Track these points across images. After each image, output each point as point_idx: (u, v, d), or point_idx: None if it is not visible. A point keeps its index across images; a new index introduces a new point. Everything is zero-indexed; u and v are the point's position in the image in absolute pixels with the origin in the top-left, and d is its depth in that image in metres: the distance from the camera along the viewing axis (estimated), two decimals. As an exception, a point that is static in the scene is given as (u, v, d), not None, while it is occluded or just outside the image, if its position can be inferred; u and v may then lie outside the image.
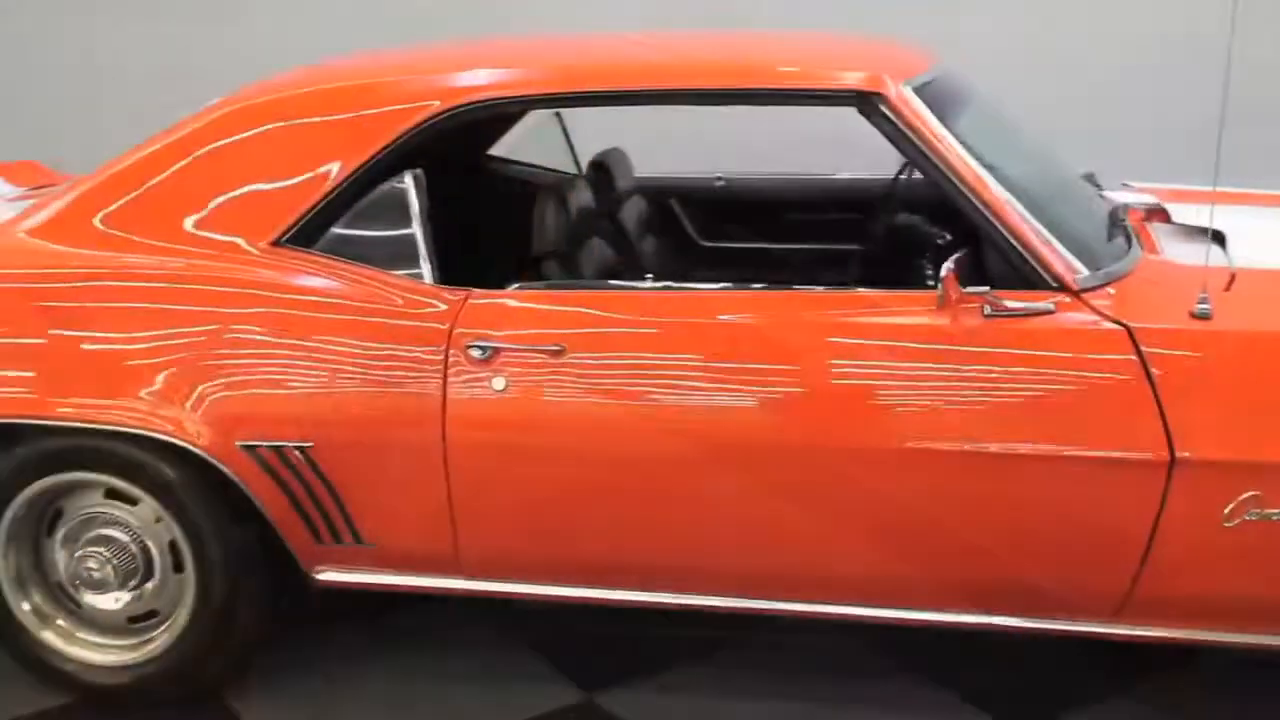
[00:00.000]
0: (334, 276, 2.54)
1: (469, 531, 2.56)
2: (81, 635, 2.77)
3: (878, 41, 2.90)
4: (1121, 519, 2.33)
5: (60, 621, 2.77)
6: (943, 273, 2.28)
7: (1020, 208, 2.39)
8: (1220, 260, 2.59)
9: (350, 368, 2.48)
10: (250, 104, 2.66)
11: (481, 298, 2.50)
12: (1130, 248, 2.59)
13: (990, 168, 2.46)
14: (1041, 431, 2.30)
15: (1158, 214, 2.95)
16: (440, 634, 3.01)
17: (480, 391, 2.45)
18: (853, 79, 2.47)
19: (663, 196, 3.82)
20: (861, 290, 2.44)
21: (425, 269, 2.54)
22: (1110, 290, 2.38)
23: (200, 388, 2.51)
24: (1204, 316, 2.31)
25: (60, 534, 2.73)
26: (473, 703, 2.74)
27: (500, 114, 2.57)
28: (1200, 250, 2.63)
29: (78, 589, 2.73)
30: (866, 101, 2.45)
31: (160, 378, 2.52)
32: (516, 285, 2.54)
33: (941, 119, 2.49)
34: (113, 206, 2.68)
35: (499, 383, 2.44)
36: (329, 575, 2.71)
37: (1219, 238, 2.70)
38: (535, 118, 3.75)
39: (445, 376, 2.46)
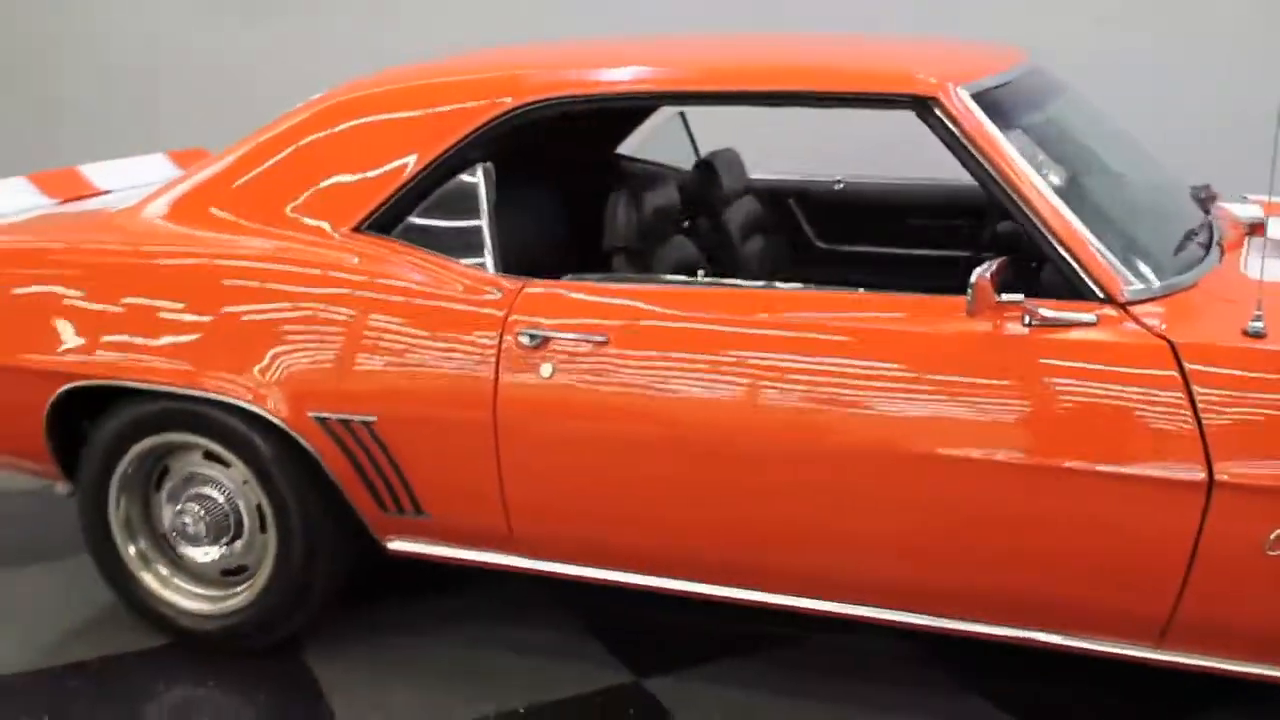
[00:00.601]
0: (403, 262, 2.68)
1: (518, 510, 2.67)
2: (177, 582, 3.01)
3: (957, 44, 2.88)
4: (1159, 540, 2.26)
5: (160, 568, 3.01)
6: (973, 278, 2.25)
7: (1070, 216, 2.34)
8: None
9: (412, 349, 2.62)
10: (339, 101, 2.83)
11: (536, 287, 2.61)
12: (1204, 260, 2.50)
13: (1053, 173, 2.41)
14: (1074, 446, 2.25)
15: (1259, 228, 2.82)
16: (501, 611, 3.12)
17: (529, 377, 2.55)
18: (910, 83, 2.46)
19: (780, 197, 3.85)
20: (900, 295, 2.43)
21: (488, 258, 2.66)
22: (1162, 303, 2.31)
23: (279, 361, 2.70)
24: (1257, 335, 2.22)
25: (166, 489, 2.98)
26: (523, 676, 2.84)
27: (569, 112, 2.65)
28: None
29: (176, 541, 2.97)
30: (923, 105, 2.44)
31: (247, 350, 2.72)
32: (570, 276, 2.63)
33: (1006, 123, 2.46)
34: (223, 192, 2.90)
35: (546, 369, 2.54)
36: (398, 545, 2.86)
37: (1313, 254, 2.58)
38: (661, 117, 3.84)
39: (498, 361, 2.57)
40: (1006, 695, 2.74)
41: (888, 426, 2.34)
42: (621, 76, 2.67)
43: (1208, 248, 2.59)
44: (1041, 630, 2.45)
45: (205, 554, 2.95)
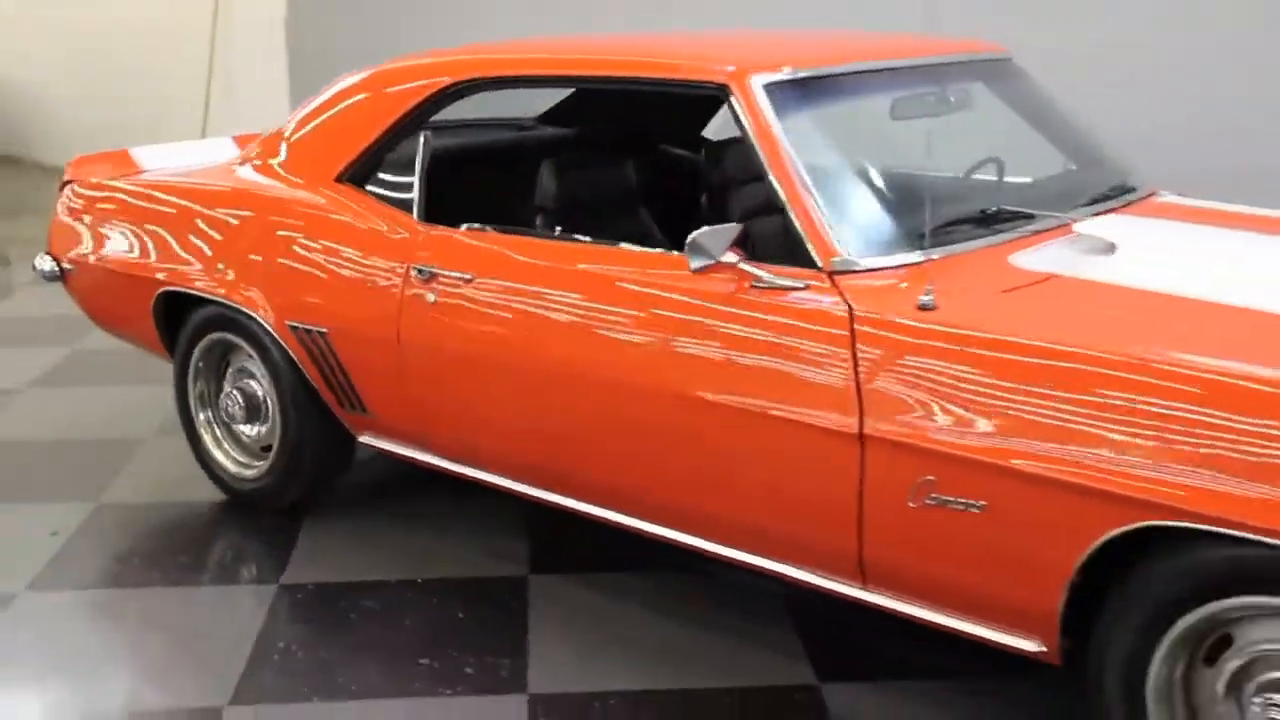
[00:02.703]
0: (353, 205, 3.37)
1: (422, 413, 3.29)
2: (225, 447, 3.86)
3: (811, 34, 3.18)
4: (832, 482, 2.53)
5: (217, 432, 3.88)
6: (689, 239, 2.61)
7: (804, 192, 2.64)
8: (1054, 265, 2.63)
9: (349, 275, 3.31)
10: (351, 81, 3.55)
11: (437, 232, 3.20)
12: (964, 244, 2.70)
13: (828, 154, 2.73)
14: (760, 391, 2.58)
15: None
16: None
17: (420, 304, 3.16)
18: (711, 73, 2.84)
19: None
20: (655, 251, 2.83)
21: (415, 207, 3.28)
22: (866, 275, 2.56)
23: (271, 280, 3.47)
24: (925, 308, 2.44)
25: (229, 375, 3.83)
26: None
27: (483, 88, 3.23)
28: (1061, 255, 2.70)
29: (228, 419, 3.82)
30: (723, 90, 2.81)
31: (253, 270, 3.52)
32: (466, 226, 3.20)
33: (799, 107, 2.78)
34: (275, 149, 3.70)
35: (431, 298, 3.14)
36: (366, 438, 3.56)
37: (1110, 247, 2.71)
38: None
39: (402, 290, 3.20)
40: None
41: (623, 361, 2.78)
42: (510, 67, 3.26)
43: (1001, 231, 2.77)
44: (770, 559, 2.76)
45: (247, 431, 3.78)
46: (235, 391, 3.76)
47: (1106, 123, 3.59)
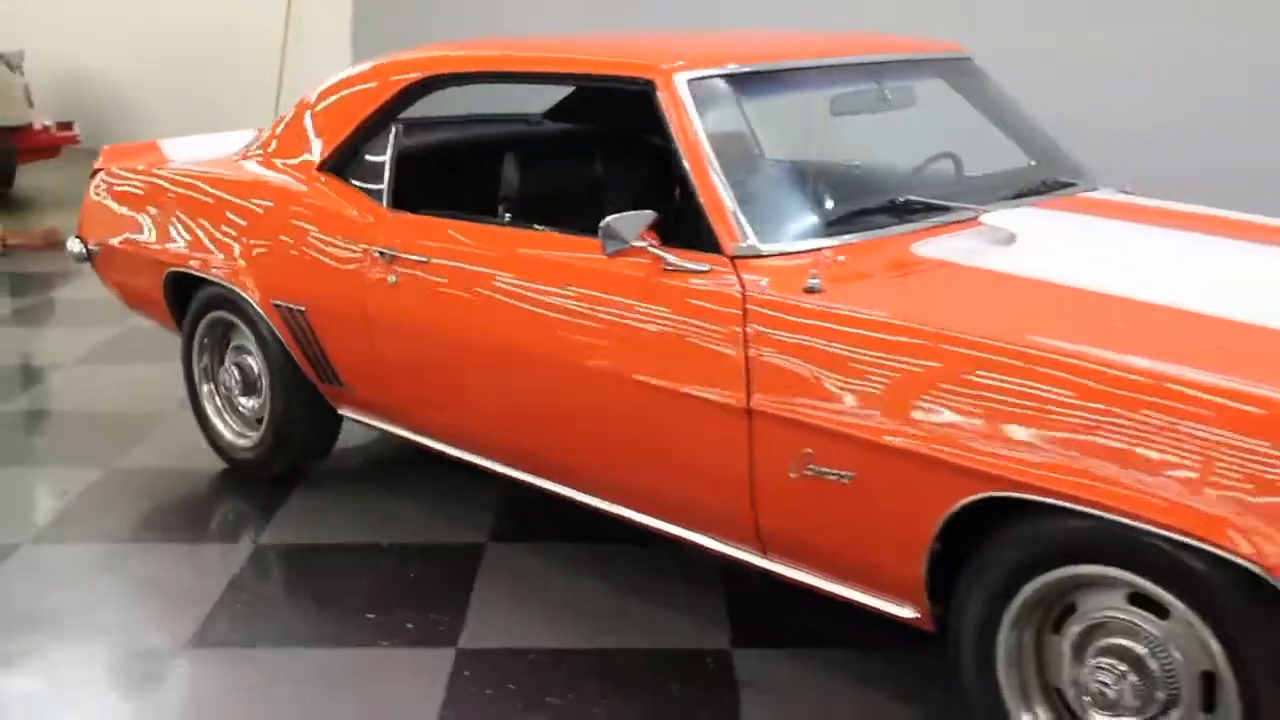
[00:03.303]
0: (331, 192, 3.60)
1: (389, 389, 3.52)
2: (226, 418, 4.13)
3: (751, 34, 3.33)
4: (726, 456, 2.68)
5: (219, 403, 4.14)
6: (601, 224, 2.79)
7: (716, 183, 2.80)
8: (949, 253, 2.76)
9: (325, 257, 3.54)
10: (334, 80, 3.78)
11: (400, 218, 3.42)
12: (868, 232, 2.84)
13: (743, 146, 2.89)
14: (664, 369, 2.75)
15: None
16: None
17: (383, 284, 3.38)
18: (639, 69, 3.01)
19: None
20: (575, 235, 3.01)
21: (385, 195, 3.51)
22: (766, 260, 2.71)
23: (259, 263, 3.73)
24: (812, 290, 2.59)
25: (229, 350, 4.09)
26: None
27: (452, 85, 3.45)
28: (961, 244, 2.83)
29: (228, 391, 4.09)
30: (650, 86, 2.98)
31: (243, 252, 3.78)
32: (424, 211, 3.41)
33: (721, 102, 2.95)
34: (272, 138, 3.96)
35: (392, 279, 3.36)
36: (345, 411, 3.80)
37: (1010, 238, 2.84)
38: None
39: (368, 271, 3.42)
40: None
41: (550, 339, 2.97)
42: (466, 64, 3.48)
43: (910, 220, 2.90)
44: (687, 529, 2.92)
45: (245, 403, 4.05)
46: (233, 366, 4.03)
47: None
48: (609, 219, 2.78)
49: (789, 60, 3.16)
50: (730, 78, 3.02)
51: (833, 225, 2.84)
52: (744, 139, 2.95)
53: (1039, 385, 2.24)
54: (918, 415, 2.36)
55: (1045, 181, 3.29)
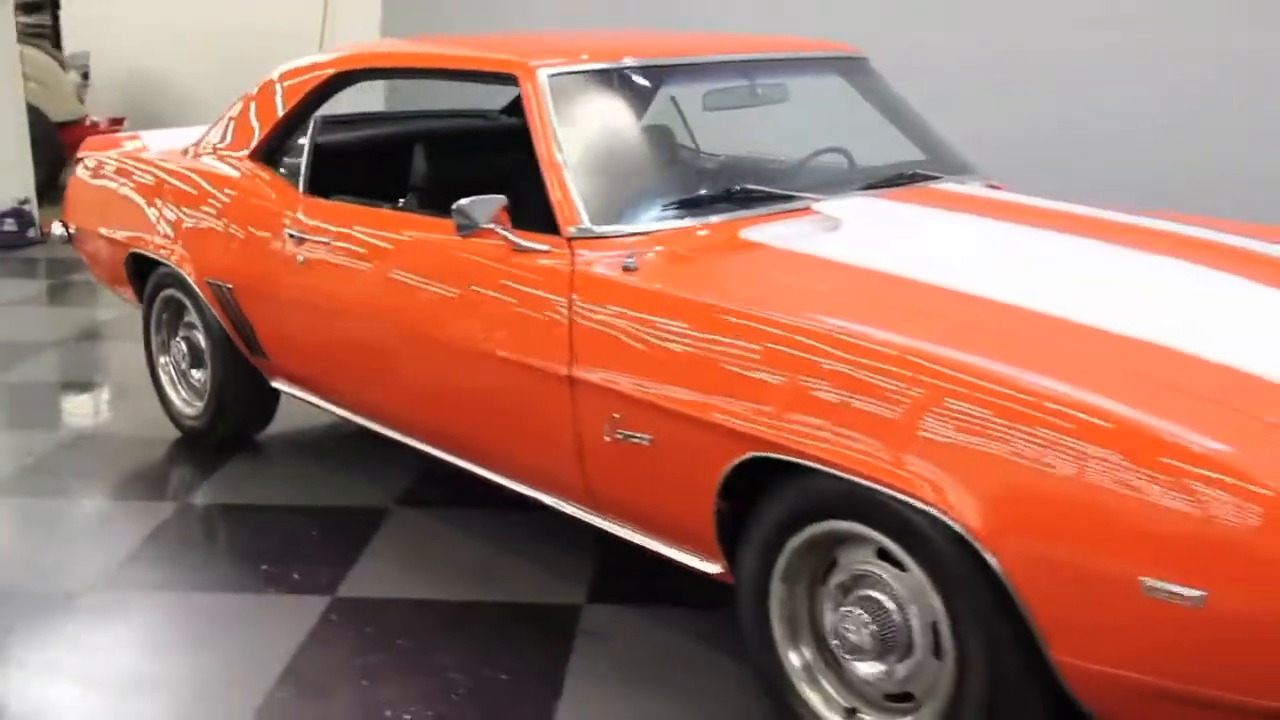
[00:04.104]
0: (256, 177, 3.90)
1: (302, 360, 3.80)
2: (179, 389, 4.45)
3: (631, 33, 3.55)
4: (556, 420, 2.91)
5: (173, 375, 4.46)
6: (454, 206, 3.03)
7: (563, 170, 3.03)
8: (770, 238, 2.96)
9: (247, 237, 3.84)
10: (268, 77, 4.07)
11: (311, 202, 3.70)
12: (693, 218, 3.04)
13: (597, 138, 3.13)
14: (503, 338, 2.99)
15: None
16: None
17: (292, 263, 3.67)
18: (506, 65, 3.26)
19: None
20: (434, 218, 3.25)
21: (301, 181, 3.79)
22: (599, 242, 2.93)
23: (195, 241, 4.04)
24: (629, 269, 2.81)
25: (181, 326, 4.41)
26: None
27: (359, 80, 3.72)
28: (786, 230, 3.03)
29: (179, 363, 4.41)
30: (514, 80, 3.23)
31: (181, 232, 4.09)
32: (334, 197, 3.69)
33: (576, 96, 3.18)
34: (221, 128, 4.28)
35: (300, 258, 3.64)
36: (276, 383, 4.09)
37: (835, 224, 3.04)
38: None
39: (282, 250, 3.71)
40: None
41: (420, 314, 3.24)
42: (371, 61, 3.77)
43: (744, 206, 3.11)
44: (542, 491, 3.16)
45: (196, 375, 4.36)
46: (182, 341, 4.35)
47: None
48: (461, 202, 3.02)
49: (641, 58, 3.35)
50: (591, 74, 3.25)
51: (669, 211, 3.05)
52: (593, 131, 3.18)
53: (798, 356, 2.44)
54: (698, 383, 2.58)
55: (903, 174, 3.46)
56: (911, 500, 2.23)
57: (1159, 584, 1.96)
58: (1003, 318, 2.46)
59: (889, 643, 2.41)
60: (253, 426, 4.37)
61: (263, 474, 4.16)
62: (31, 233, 8.24)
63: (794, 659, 2.59)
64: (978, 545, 2.15)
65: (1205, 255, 2.93)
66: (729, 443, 2.53)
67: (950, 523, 2.18)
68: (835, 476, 2.37)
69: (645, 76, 3.35)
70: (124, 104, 11.82)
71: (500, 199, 3.05)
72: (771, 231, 3.02)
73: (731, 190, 3.17)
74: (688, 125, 4.59)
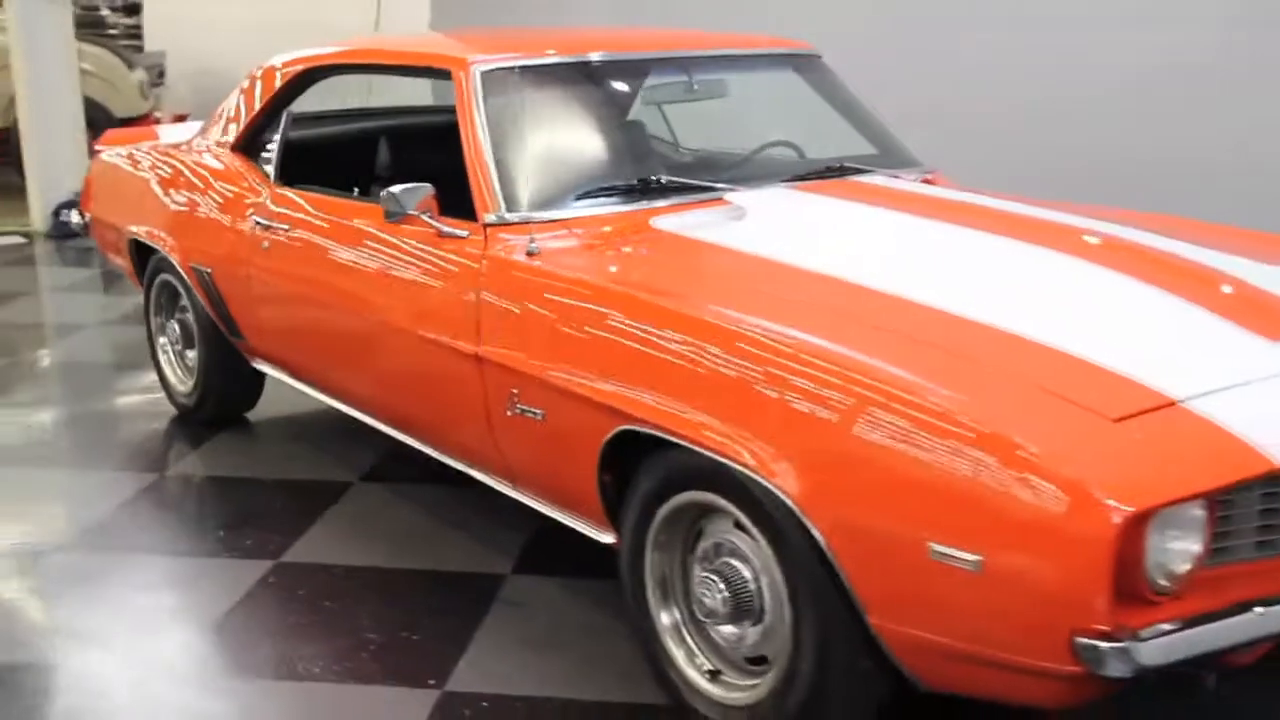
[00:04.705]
0: (237, 168, 4.12)
1: (271, 341, 4.02)
2: (175, 369, 4.69)
3: (573, 31, 3.71)
4: (471, 397, 3.08)
5: (171, 355, 4.71)
6: (382, 192, 3.20)
7: (486, 161, 3.19)
8: (676, 226, 3.10)
9: (221, 224, 4.07)
10: (255, 70, 4.30)
11: (280, 191, 3.91)
12: (612, 207, 3.19)
13: (506, 129, 3.29)
14: (424, 318, 3.17)
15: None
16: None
17: (260, 248, 3.88)
18: (442, 60, 3.44)
19: None
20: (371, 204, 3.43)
21: (273, 171, 4.00)
22: (514, 229, 3.09)
23: (181, 227, 4.29)
24: (532, 254, 2.97)
25: (176, 308, 4.66)
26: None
27: (325, 76, 3.93)
28: (694, 219, 3.17)
29: (181, 349, 4.66)
30: (449, 74, 3.40)
31: (172, 220, 4.33)
32: (300, 186, 3.89)
33: (509, 89, 3.34)
34: (219, 121, 4.52)
35: (266, 244, 3.86)
36: (256, 364, 4.32)
37: (741, 214, 3.17)
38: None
39: (252, 236, 3.93)
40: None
41: (360, 295, 3.43)
42: (333, 59, 3.96)
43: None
44: (465, 463, 3.33)
45: (189, 355, 4.61)
46: (175, 323, 4.60)
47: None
48: (390, 189, 3.19)
49: (588, 54, 3.51)
50: (524, 69, 3.41)
51: (584, 199, 3.20)
52: (519, 123, 3.33)
53: (656, 335, 2.58)
54: (580, 361, 2.73)
55: (832, 168, 3.57)
56: (742, 470, 2.36)
57: (944, 549, 2.06)
58: (842, 296, 2.59)
59: (742, 608, 2.54)
60: (239, 405, 4.60)
61: (244, 449, 4.39)
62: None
63: (664, 619, 2.73)
64: (799, 513, 2.27)
65: (1106, 255, 2.93)
66: (604, 417, 2.68)
67: (775, 491, 2.30)
68: (689, 450, 2.51)
69: (581, 71, 3.50)
70: (195, 101, 12.27)
71: (428, 187, 3.21)
72: (679, 221, 3.15)
73: (649, 181, 3.30)
74: (635, 120, 4.74)
